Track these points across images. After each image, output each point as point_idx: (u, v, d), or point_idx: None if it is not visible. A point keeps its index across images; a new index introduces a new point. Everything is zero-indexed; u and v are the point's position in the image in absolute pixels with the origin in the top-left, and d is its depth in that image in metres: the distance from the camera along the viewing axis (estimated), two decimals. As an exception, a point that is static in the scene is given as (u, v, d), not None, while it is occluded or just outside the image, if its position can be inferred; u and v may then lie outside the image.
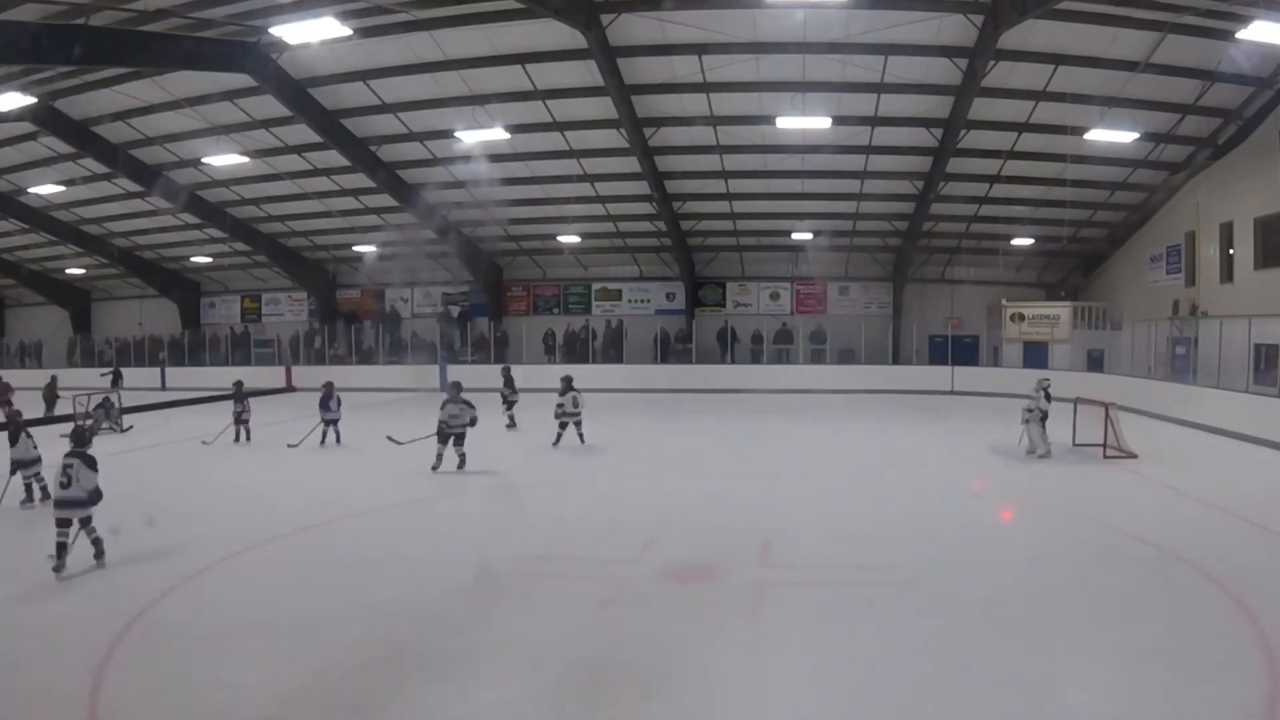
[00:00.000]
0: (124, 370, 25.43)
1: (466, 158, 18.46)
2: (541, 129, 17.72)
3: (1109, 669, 4.35)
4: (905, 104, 16.36)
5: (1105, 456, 10.80)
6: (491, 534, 7.28)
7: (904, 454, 11.93)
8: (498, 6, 13.37)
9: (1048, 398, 11.07)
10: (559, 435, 12.17)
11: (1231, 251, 16.93)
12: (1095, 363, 20.74)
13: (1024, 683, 4.20)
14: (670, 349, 24.10)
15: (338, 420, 12.71)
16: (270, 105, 16.72)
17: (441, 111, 16.98)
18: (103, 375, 14.09)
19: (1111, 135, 16.01)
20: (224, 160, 19.09)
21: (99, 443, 13.04)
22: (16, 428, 8.24)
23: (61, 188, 21.31)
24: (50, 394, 15.68)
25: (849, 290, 25.43)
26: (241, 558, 6.44)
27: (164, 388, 25.34)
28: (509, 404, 15.18)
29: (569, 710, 3.96)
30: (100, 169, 20.00)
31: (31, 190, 21.55)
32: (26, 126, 17.81)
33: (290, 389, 24.42)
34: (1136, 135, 16.16)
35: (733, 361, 23.78)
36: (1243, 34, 11.83)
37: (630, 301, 26.31)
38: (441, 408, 10.07)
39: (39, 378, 26.68)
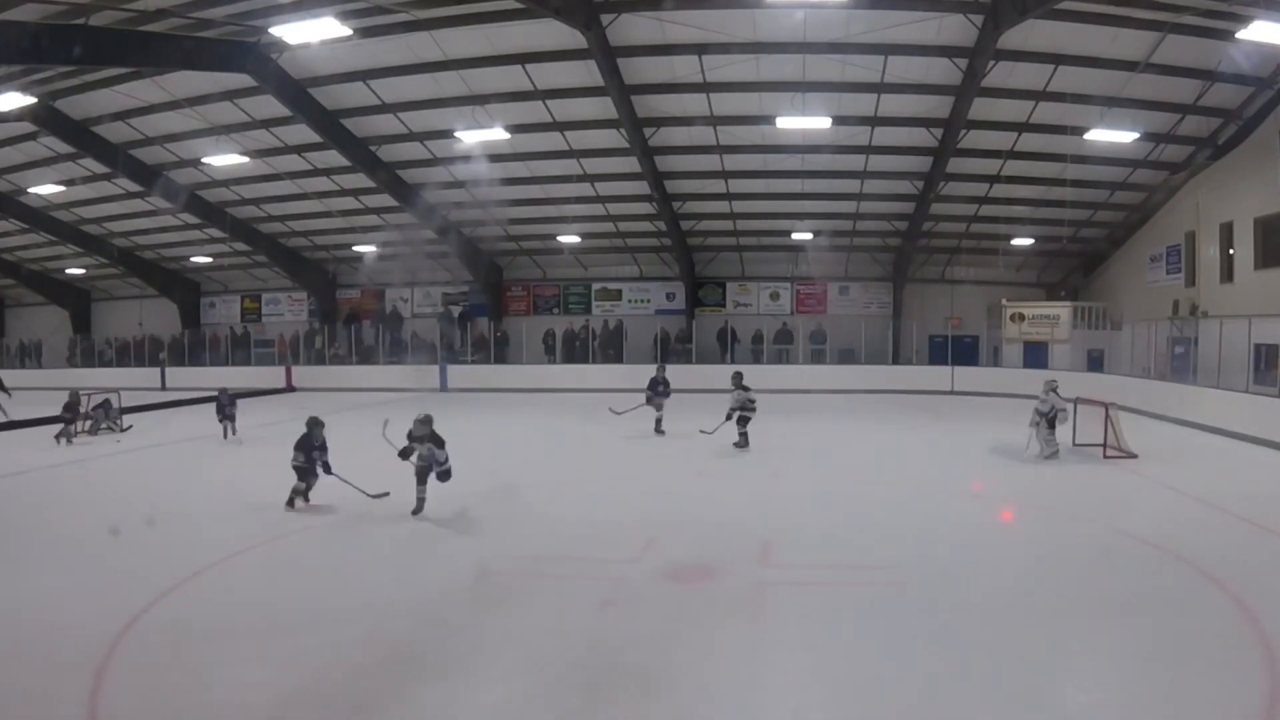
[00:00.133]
0: (124, 370, 25.50)
1: (466, 158, 18.46)
2: (541, 129, 17.72)
3: (1109, 669, 4.35)
4: (905, 104, 16.36)
5: (1105, 456, 10.79)
6: (491, 534, 7.28)
7: (904, 454, 11.92)
8: (498, 6, 13.37)
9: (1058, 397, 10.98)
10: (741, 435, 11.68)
11: (1231, 251, 16.93)
12: (1095, 363, 20.74)
13: (1024, 683, 4.19)
14: (670, 349, 24.10)
15: (234, 419, 13.45)
16: (270, 105, 16.72)
17: (441, 111, 16.98)
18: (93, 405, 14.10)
19: (1111, 135, 16.01)
20: (224, 160, 19.09)
21: (99, 442, 13.19)
22: None
23: (61, 188, 21.30)
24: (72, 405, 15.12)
25: (849, 290, 25.42)
26: (241, 558, 6.44)
27: (164, 388, 25.34)
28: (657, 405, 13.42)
29: (569, 710, 3.96)
30: (100, 169, 20.00)
31: (31, 190, 21.53)
32: (26, 126, 17.80)
33: (290, 389, 24.44)
34: (1136, 135, 16.16)
35: (733, 361, 23.67)
36: (1243, 34, 11.83)
37: (630, 301, 26.31)
38: (409, 437, 7.81)
39: (39, 378, 26.81)
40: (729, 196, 21.17)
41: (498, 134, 17.16)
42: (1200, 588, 5.59)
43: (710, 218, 22.66)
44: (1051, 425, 10.75)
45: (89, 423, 13.91)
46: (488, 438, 13.31)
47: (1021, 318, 22.14)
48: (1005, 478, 10.06)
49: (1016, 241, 22.63)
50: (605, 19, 13.79)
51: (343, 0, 12.60)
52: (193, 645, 4.63)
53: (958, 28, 13.82)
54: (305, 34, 12.46)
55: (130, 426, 14.59)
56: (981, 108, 16.00)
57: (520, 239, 24.99)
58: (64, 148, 18.85)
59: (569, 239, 24.28)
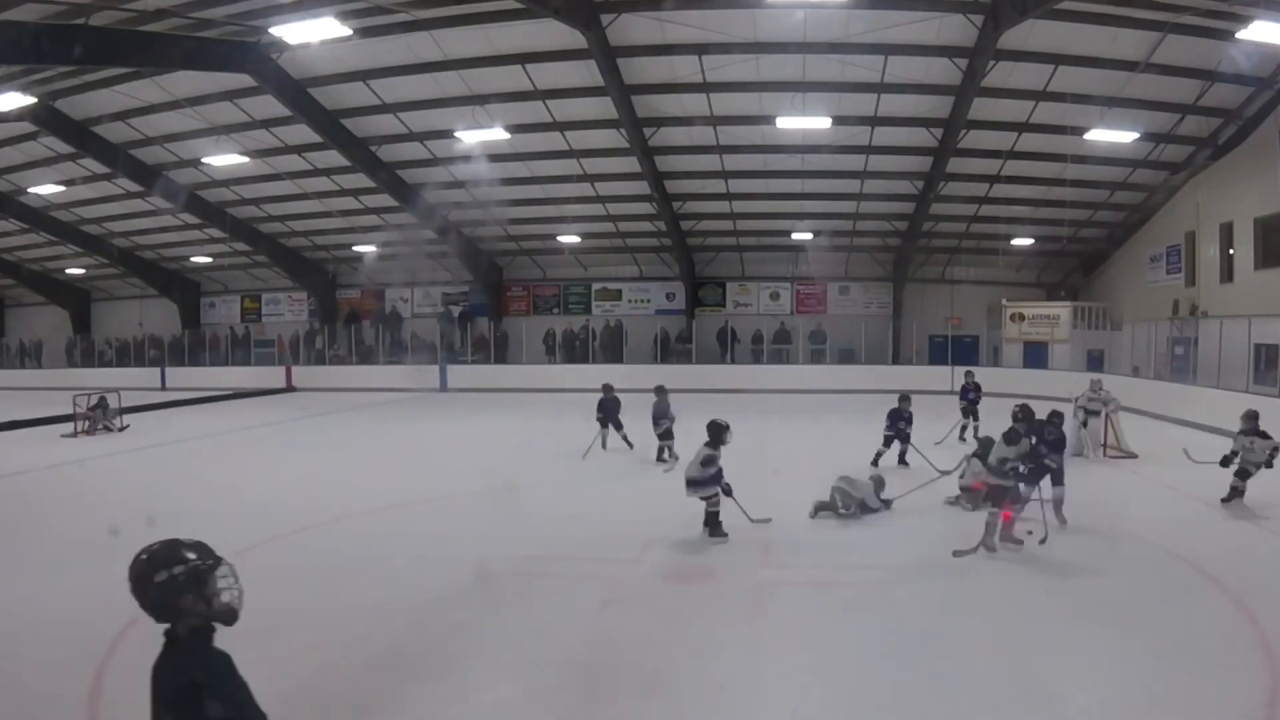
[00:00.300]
0: (124, 370, 25.50)
1: (466, 158, 18.47)
2: (541, 129, 17.72)
3: (1109, 669, 4.34)
4: (905, 104, 16.36)
5: (1105, 456, 10.79)
6: (491, 534, 7.27)
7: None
8: (498, 6, 13.37)
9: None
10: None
11: (1231, 251, 16.93)
12: (1095, 363, 20.73)
13: (1024, 683, 4.19)
14: (670, 349, 24.10)
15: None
16: (270, 105, 16.72)
17: (441, 111, 16.99)
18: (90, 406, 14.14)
19: (1111, 135, 16.02)
20: (224, 160, 19.10)
21: (99, 442, 13.20)
22: None
23: (61, 188, 21.31)
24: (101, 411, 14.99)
25: (849, 290, 25.43)
26: (241, 558, 6.32)
27: (164, 388, 25.35)
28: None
29: (569, 710, 3.96)
30: (100, 169, 19.99)
31: (31, 190, 21.54)
32: (26, 126, 17.79)
33: (291, 389, 24.45)
34: (1136, 135, 16.17)
35: (733, 361, 23.79)
36: (1243, 34, 11.84)
37: (630, 301, 26.31)
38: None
39: (39, 378, 26.84)
40: (729, 196, 21.17)
41: (498, 134, 17.17)
42: (1200, 588, 5.59)
43: (710, 218, 22.66)
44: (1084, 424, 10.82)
45: (87, 422, 13.95)
46: (488, 438, 13.31)
47: (1021, 318, 22.14)
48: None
49: (1016, 241, 22.64)
50: (605, 19, 13.79)
51: (343, 0, 12.61)
52: (193, 645, 4.63)
53: (958, 28, 13.82)
54: (305, 34, 12.47)
55: (127, 426, 14.60)
56: (981, 108, 16.00)
57: (520, 239, 24.98)
58: (64, 148, 18.85)
59: (569, 239, 24.29)
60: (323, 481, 9.75)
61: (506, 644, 4.69)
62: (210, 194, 22.09)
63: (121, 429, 14.33)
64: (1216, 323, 15.36)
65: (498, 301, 26.66)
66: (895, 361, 23.47)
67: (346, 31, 12.62)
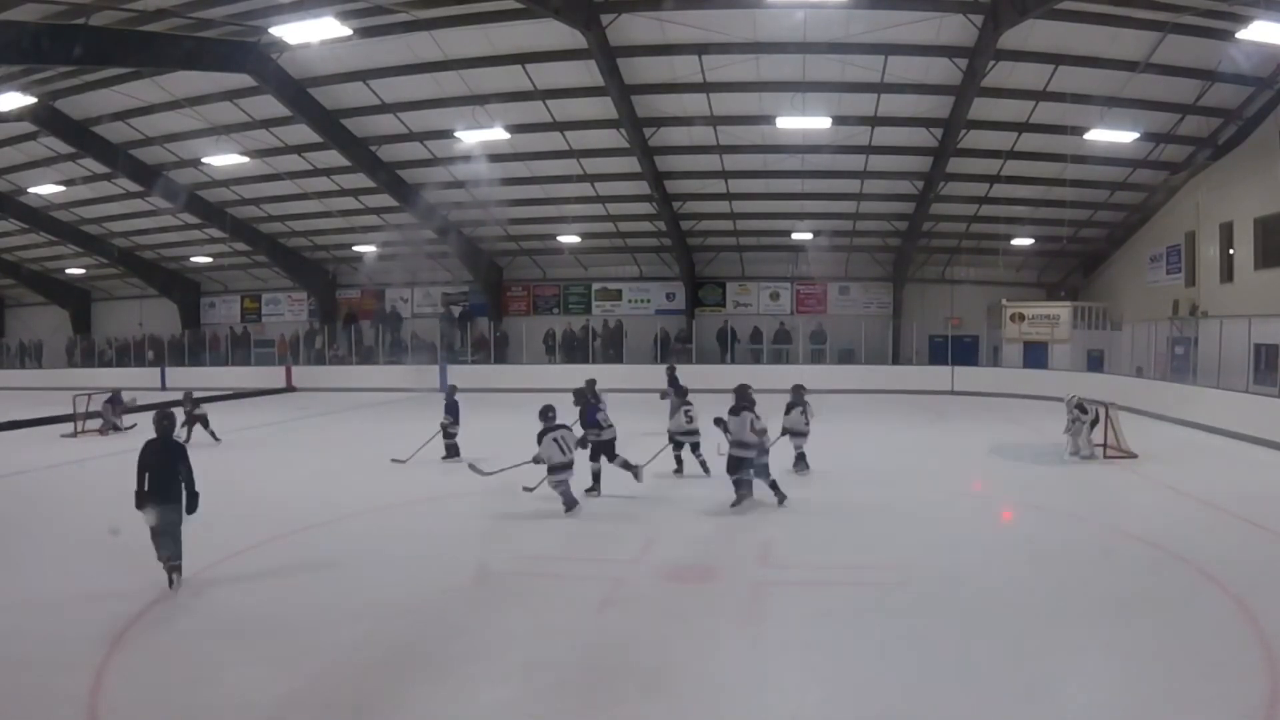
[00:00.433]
0: (124, 370, 25.49)
1: (466, 158, 18.47)
2: (541, 129, 17.72)
3: (1109, 669, 4.34)
4: (905, 104, 16.36)
5: (1105, 456, 10.79)
6: (492, 534, 7.28)
7: (904, 454, 11.91)
8: (498, 6, 13.38)
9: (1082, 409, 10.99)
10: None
11: (1231, 251, 16.93)
12: (1095, 363, 20.74)
13: (1024, 683, 4.19)
14: (670, 349, 24.09)
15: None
16: (270, 105, 16.72)
17: (441, 111, 16.99)
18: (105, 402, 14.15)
19: (1111, 135, 16.02)
20: (224, 160, 19.10)
21: (100, 441, 13.18)
22: None
23: (61, 188, 21.31)
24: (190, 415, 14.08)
25: (849, 290, 25.42)
26: (241, 558, 6.43)
27: (164, 388, 25.34)
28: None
29: (569, 710, 3.96)
30: (100, 169, 20.00)
31: (31, 190, 21.55)
32: (26, 126, 17.80)
33: (291, 389, 24.44)
34: (1136, 135, 16.17)
35: (733, 361, 23.76)
36: (1243, 34, 11.84)
37: (630, 301, 26.31)
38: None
39: (39, 378, 26.84)
40: (729, 196, 21.16)
41: (498, 134, 17.17)
42: (1200, 588, 5.58)
43: (710, 218, 22.66)
44: (1092, 426, 10.80)
45: (100, 420, 13.95)
46: (488, 438, 13.29)
47: (1021, 318, 22.13)
48: (1005, 478, 10.07)
49: (1016, 241, 22.64)
50: (605, 19, 13.79)
51: (343, 0, 12.61)
52: (193, 645, 4.64)
53: (958, 28, 13.82)
54: (305, 34, 12.47)
55: (134, 425, 14.58)
56: (981, 108, 16.00)
57: (520, 239, 24.98)
58: (64, 148, 18.85)
59: (569, 239, 24.29)
60: (323, 481, 9.76)
61: (506, 644, 4.69)
62: (210, 194, 22.09)
63: (127, 429, 14.31)
64: (1216, 323, 15.35)
65: (498, 301, 26.66)
66: (895, 362, 23.48)
67: (346, 31, 12.62)
